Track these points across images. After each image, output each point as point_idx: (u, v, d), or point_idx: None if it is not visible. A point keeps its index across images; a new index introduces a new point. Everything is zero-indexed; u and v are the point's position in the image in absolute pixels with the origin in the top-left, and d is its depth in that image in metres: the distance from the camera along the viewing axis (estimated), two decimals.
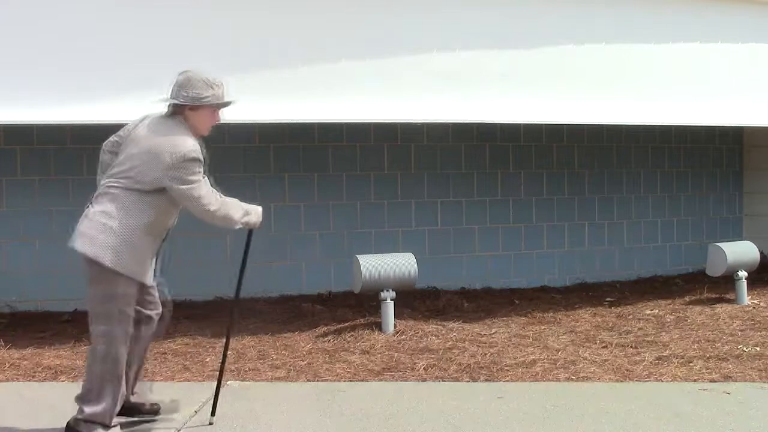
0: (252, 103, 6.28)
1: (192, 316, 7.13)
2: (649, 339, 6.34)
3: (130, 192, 4.07)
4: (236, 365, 5.70)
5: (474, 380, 5.32)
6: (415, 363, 5.68)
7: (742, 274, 7.70)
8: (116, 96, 6.03)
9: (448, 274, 8.44)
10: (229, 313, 4.81)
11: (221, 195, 4.34)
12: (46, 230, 7.51)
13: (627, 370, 5.47)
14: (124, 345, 4.11)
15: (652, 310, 7.56)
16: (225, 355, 4.65)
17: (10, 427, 4.44)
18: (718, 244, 7.82)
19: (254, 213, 4.56)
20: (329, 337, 6.41)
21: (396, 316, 6.60)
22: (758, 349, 5.94)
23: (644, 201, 9.70)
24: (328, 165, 8.30)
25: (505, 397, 4.91)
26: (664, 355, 5.83)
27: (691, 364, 5.59)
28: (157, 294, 4.56)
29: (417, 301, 7.46)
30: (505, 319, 7.15)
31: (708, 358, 5.74)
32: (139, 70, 6.06)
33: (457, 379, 5.36)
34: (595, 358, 5.78)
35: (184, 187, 4.10)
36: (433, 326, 6.69)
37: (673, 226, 9.89)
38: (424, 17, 6.66)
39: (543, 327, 6.85)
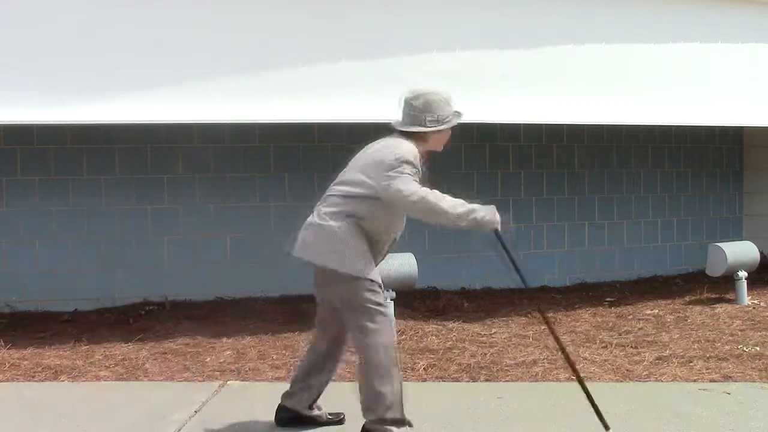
0: (252, 103, 6.29)
1: (192, 316, 7.13)
2: (649, 339, 6.34)
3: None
4: (236, 365, 5.70)
5: (474, 380, 5.32)
6: (415, 363, 5.68)
7: (742, 274, 7.70)
8: (116, 96, 6.03)
9: (448, 274, 8.44)
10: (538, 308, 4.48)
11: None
12: (46, 230, 7.51)
13: (627, 370, 5.46)
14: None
15: (652, 310, 7.56)
16: (566, 354, 4.33)
17: (10, 427, 4.44)
18: (718, 244, 7.82)
19: (483, 211, 4.26)
20: None
21: (396, 316, 6.60)
22: (758, 349, 5.94)
23: (644, 201, 9.69)
24: (328, 165, 8.23)
25: (505, 397, 4.90)
26: (664, 355, 5.83)
27: (691, 364, 5.59)
28: None
29: (417, 301, 7.46)
30: (505, 319, 7.15)
31: (708, 358, 5.74)
32: (139, 70, 6.06)
33: (457, 379, 5.36)
34: (595, 358, 5.78)
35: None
36: (433, 326, 6.69)
37: (673, 226, 9.89)
38: (424, 17, 6.66)
39: (543, 327, 6.84)
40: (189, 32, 6.15)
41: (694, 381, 5.22)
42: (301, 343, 6.32)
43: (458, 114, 4.21)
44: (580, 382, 4.15)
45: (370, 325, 3.96)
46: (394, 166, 4.00)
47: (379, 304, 4.01)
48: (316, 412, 4.36)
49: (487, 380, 5.32)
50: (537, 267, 9.00)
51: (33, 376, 5.49)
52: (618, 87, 7.20)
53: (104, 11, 6.04)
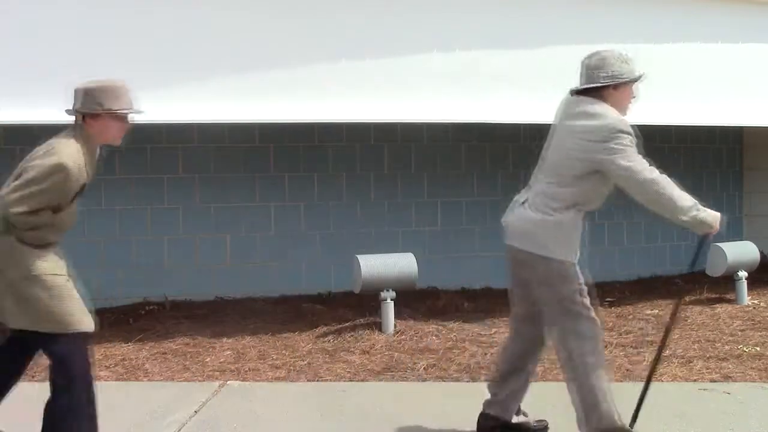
0: (252, 103, 6.29)
1: (192, 316, 7.13)
2: (649, 339, 6.34)
3: None
4: (236, 365, 5.71)
5: (474, 380, 5.32)
6: (415, 363, 5.68)
7: (742, 274, 7.69)
8: None
9: (448, 274, 8.43)
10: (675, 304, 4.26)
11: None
12: None
13: (627, 370, 5.46)
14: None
15: (652, 310, 7.55)
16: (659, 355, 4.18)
17: (10, 427, 4.44)
18: (718, 244, 7.81)
19: (706, 212, 3.82)
20: (329, 337, 6.41)
21: (396, 316, 6.60)
22: (758, 349, 5.94)
23: None
24: (328, 165, 8.30)
25: None
26: (664, 355, 5.82)
27: (691, 364, 5.59)
28: None
29: (417, 301, 7.45)
30: (505, 319, 7.12)
31: (708, 358, 5.74)
32: (139, 70, 6.05)
33: (457, 379, 5.36)
34: None
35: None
36: (433, 326, 6.69)
37: (673, 226, 9.88)
38: (424, 17, 6.66)
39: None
40: (189, 33, 6.15)
41: (694, 381, 5.22)
42: (301, 343, 6.32)
43: (632, 73, 3.99)
44: (649, 378, 4.04)
45: (578, 327, 3.86)
46: (609, 138, 3.74)
47: (587, 307, 3.91)
48: (522, 418, 4.16)
49: (487, 380, 5.31)
50: None
51: (33, 376, 5.48)
52: None
53: (104, 11, 6.05)
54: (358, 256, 6.63)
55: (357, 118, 6.67)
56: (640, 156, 3.80)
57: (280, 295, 7.86)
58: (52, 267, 3.54)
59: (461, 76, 6.66)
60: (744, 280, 7.70)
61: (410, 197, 8.53)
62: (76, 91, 3.71)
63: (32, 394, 5.10)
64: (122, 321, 7.04)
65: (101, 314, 7.24)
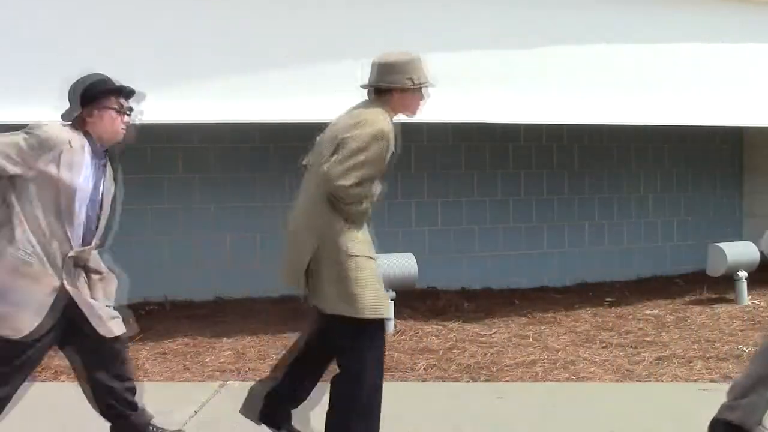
0: (252, 103, 6.29)
1: (192, 316, 7.13)
2: (649, 339, 6.34)
3: None
4: (236, 365, 5.71)
5: (474, 380, 5.32)
6: (415, 363, 5.68)
7: (742, 274, 7.69)
8: None
9: (448, 274, 8.43)
10: None
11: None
12: None
13: (627, 370, 5.46)
14: None
15: (652, 310, 7.55)
16: None
17: (10, 427, 4.44)
18: (718, 244, 7.81)
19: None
20: None
21: (396, 316, 6.60)
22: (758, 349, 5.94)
23: (644, 201, 9.69)
24: None
25: (505, 397, 4.90)
26: (664, 355, 5.83)
27: (691, 364, 5.59)
28: None
29: (417, 301, 7.45)
30: (505, 319, 7.15)
31: (708, 358, 5.74)
32: (139, 70, 6.05)
33: (457, 379, 5.36)
34: (595, 358, 5.78)
35: None
36: (433, 326, 6.69)
37: (673, 226, 9.88)
38: (424, 17, 6.66)
39: (543, 327, 6.84)
40: (190, 33, 6.15)
41: (694, 381, 5.22)
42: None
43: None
44: None
45: None
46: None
47: None
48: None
49: (487, 380, 5.32)
50: (537, 267, 9.01)
51: (33, 376, 5.48)
52: (618, 87, 7.20)
53: (105, 9, 6.04)
54: None
55: None
56: None
57: (280, 295, 7.85)
58: (367, 249, 3.48)
59: (461, 76, 6.65)
60: (744, 280, 7.69)
61: (410, 197, 8.53)
62: (380, 64, 3.76)
63: (30, 395, 5.11)
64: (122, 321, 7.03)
65: None
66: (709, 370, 5.42)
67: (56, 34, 5.95)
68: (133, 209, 7.73)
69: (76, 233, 3.47)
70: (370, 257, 3.52)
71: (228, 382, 5.28)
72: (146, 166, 7.73)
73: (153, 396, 4.92)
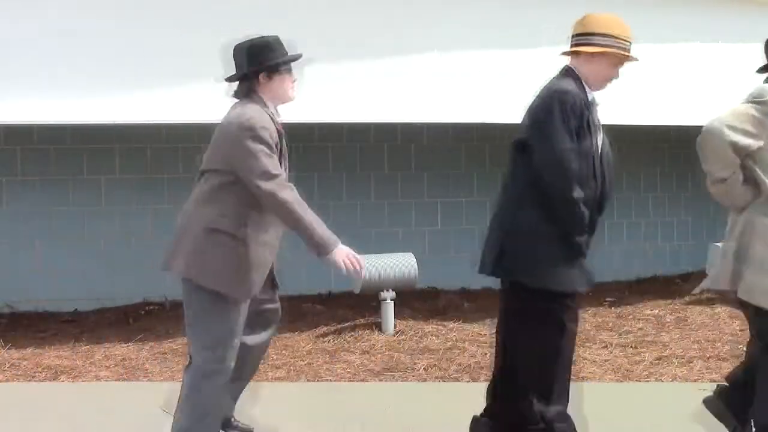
0: None
1: None
2: (649, 339, 6.34)
3: None
4: None
5: (474, 380, 5.32)
6: (415, 363, 5.68)
7: None
8: (116, 96, 6.03)
9: (448, 274, 8.43)
10: None
11: None
12: (46, 230, 7.50)
13: (627, 370, 5.46)
14: None
15: (652, 310, 7.55)
16: None
17: (10, 427, 4.44)
18: (718, 244, 7.80)
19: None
20: (329, 337, 6.41)
21: (396, 316, 6.60)
22: None
23: (644, 201, 9.68)
24: (328, 165, 8.30)
25: None
26: (664, 355, 5.83)
27: (691, 364, 5.59)
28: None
29: (417, 301, 7.45)
30: None
31: (708, 358, 5.74)
32: (139, 70, 6.06)
33: (457, 379, 5.36)
34: (595, 358, 5.78)
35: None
36: (433, 326, 6.69)
37: (673, 226, 9.88)
38: (424, 17, 6.66)
39: None
40: (190, 33, 6.14)
41: (694, 381, 5.22)
42: (301, 343, 6.32)
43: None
44: None
45: None
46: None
47: None
48: None
49: (487, 380, 5.31)
50: None
51: (33, 376, 5.49)
52: (617, 87, 7.17)
53: (105, 11, 6.04)
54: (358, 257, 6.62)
55: (357, 118, 6.66)
56: None
57: (280, 296, 7.85)
58: None
59: (461, 76, 6.65)
60: None
61: (410, 197, 8.53)
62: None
63: (30, 395, 5.10)
64: (122, 321, 7.04)
65: (101, 314, 7.29)
66: (709, 370, 5.42)
67: (56, 36, 5.94)
68: (133, 209, 7.76)
69: None
70: None
71: None
72: (146, 166, 7.73)
73: (153, 396, 4.93)
